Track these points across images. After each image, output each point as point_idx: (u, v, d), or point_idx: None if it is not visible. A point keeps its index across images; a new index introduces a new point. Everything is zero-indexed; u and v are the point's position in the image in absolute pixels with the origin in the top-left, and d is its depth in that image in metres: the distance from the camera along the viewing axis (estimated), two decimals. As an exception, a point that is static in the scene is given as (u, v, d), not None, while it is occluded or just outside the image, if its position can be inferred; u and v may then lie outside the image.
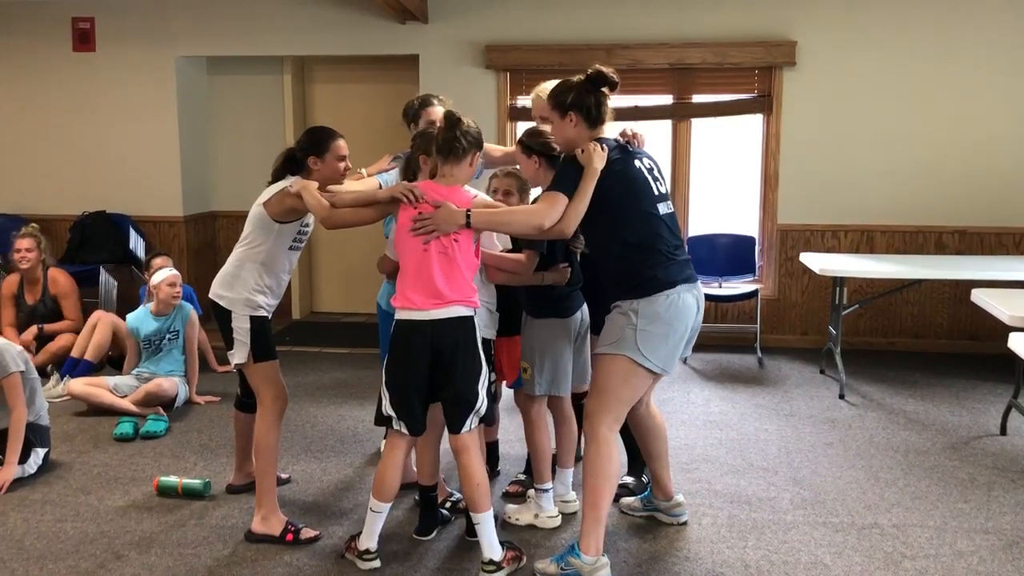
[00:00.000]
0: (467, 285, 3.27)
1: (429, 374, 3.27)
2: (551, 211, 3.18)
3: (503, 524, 3.71)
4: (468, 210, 3.21)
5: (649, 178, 3.33)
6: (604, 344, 3.32)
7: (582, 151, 3.22)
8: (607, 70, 3.28)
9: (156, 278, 5.41)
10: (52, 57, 7.32)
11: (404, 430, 3.31)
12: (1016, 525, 3.77)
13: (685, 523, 3.76)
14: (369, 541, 3.39)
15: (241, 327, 3.57)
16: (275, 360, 3.68)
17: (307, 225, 3.69)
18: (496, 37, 6.89)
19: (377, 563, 3.39)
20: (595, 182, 3.19)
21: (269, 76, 7.58)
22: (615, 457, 3.29)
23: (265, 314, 3.64)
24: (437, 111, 4.02)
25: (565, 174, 3.25)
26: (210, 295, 3.67)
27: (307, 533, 3.63)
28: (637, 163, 3.32)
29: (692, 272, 3.37)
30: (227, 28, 7.17)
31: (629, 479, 4.07)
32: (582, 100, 3.27)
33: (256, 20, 7.12)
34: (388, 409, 3.30)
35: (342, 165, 3.61)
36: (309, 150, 3.58)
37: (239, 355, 3.60)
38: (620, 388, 3.28)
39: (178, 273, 5.49)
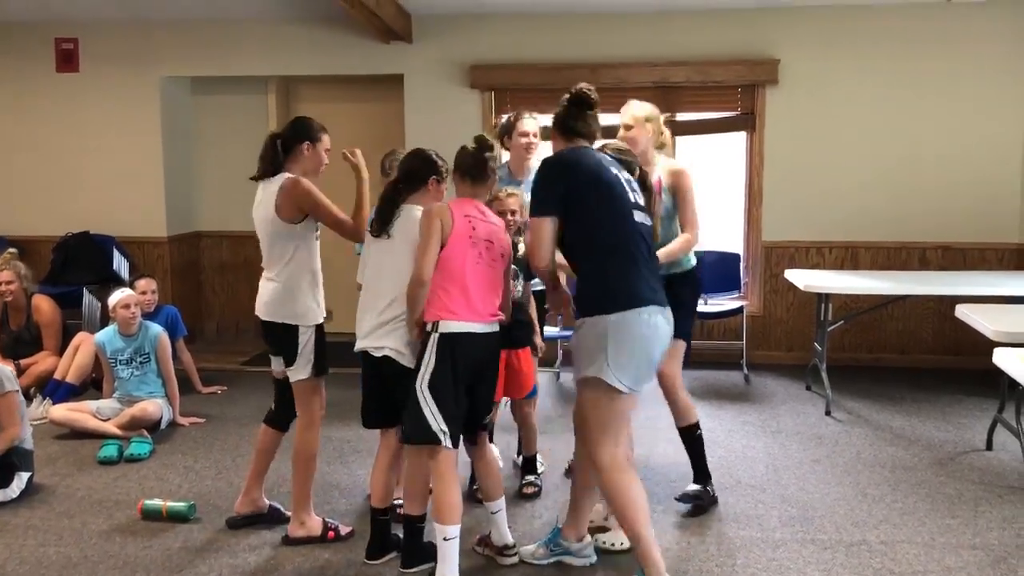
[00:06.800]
0: (500, 301, 3.40)
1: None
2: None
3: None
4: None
5: (626, 187, 3.27)
6: (579, 366, 3.22)
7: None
8: (589, 92, 3.36)
9: (111, 300, 5.38)
10: (35, 78, 7.30)
11: (451, 445, 3.27)
12: (1004, 540, 3.77)
13: (594, 564, 3.53)
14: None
15: (309, 342, 3.60)
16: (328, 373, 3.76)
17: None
18: (481, 57, 6.91)
19: None
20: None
21: (253, 96, 7.57)
22: (624, 481, 3.17)
23: (324, 318, 3.68)
24: (525, 124, 4.42)
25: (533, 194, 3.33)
26: (267, 319, 3.64)
27: (344, 529, 3.81)
28: (614, 170, 3.29)
29: (664, 296, 3.26)
30: (211, 48, 7.16)
31: (694, 487, 4.07)
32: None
33: (240, 40, 7.12)
34: (441, 424, 3.23)
35: (326, 157, 3.74)
36: (303, 136, 3.66)
37: (302, 371, 3.63)
38: (604, 414, 3.19)
39: (133, 294, 5.44)
